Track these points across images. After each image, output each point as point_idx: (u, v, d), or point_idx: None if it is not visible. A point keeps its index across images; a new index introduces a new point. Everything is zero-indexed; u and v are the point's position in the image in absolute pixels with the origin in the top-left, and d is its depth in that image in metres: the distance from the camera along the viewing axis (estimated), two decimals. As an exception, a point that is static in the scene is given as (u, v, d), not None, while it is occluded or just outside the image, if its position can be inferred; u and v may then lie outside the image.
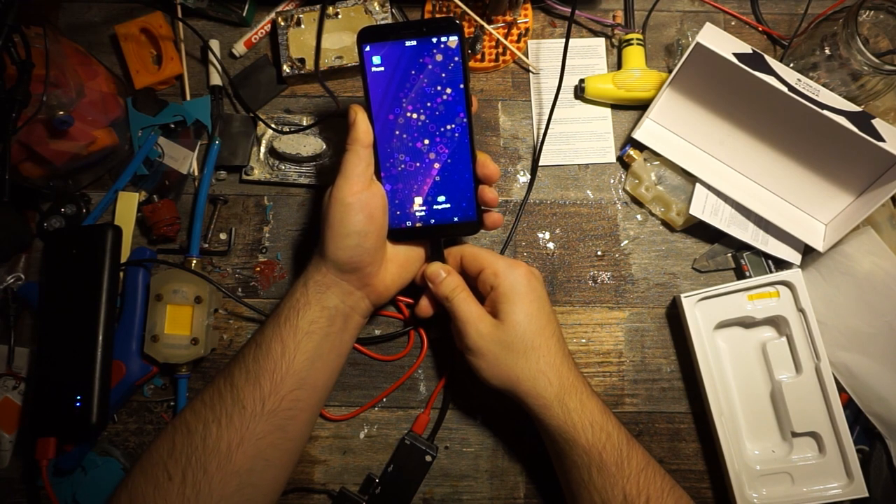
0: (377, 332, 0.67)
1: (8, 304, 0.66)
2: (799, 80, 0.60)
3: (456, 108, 0.57)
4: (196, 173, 0.70)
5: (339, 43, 0.70)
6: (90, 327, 0.61)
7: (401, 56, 0.56)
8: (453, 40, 0.55)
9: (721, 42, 0.61)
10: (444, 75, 0.56)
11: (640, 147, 0.69)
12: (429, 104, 0.57)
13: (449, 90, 0.56)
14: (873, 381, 0.63)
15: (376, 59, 0.56)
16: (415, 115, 0.57)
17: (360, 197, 0.54)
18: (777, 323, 0.66)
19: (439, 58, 0.56)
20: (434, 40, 0.55)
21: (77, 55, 0.65)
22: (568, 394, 0.55)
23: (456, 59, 0.56)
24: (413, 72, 0.56)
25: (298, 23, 0.70)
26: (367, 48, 0.56)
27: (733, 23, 0.75)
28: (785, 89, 0.59)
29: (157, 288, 0.64)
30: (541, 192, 0.71)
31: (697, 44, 0.60)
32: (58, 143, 0.62)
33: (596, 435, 0.54)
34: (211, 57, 0.70)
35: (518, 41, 0.72)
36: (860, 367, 0.63)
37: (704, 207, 0.67)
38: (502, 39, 0.70)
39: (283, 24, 0.70)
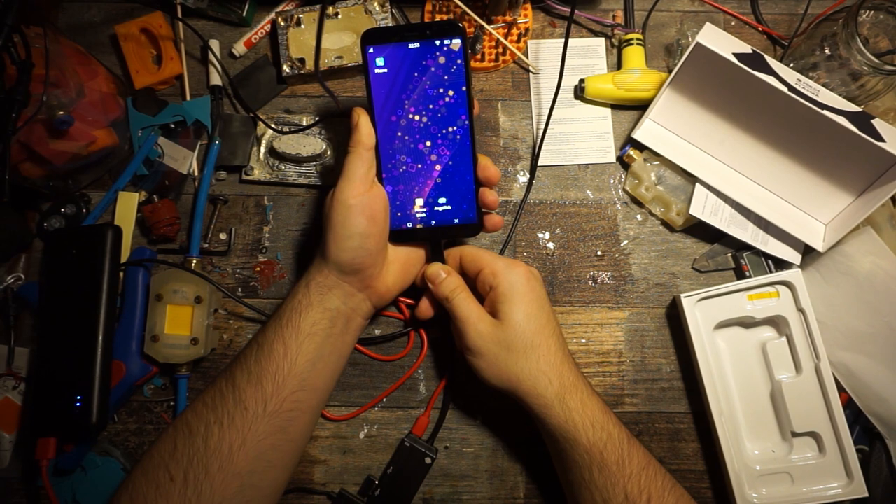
0: (377, 333, 0.67)
1: (8, 304, 0.65)
2: (799, 80, 0.60)
3: (458, 110, 0.57)
4: (196, 173, 0.70)
5: (339, 43, 0.70)
6: (90, 327, 0.61)
7: (404, 58, 0.56)
8: (456, 43, 0.55)
9: (721, 42, 0.61)
10: (446, 78, 0.56)
11: (640, 147, 0.70)
12: (431, 106, 0.57)
13: (451, 92, 0.57)
14: (873, 381, 0.63)
15: (379, 61, 0.56)
16: (417, 117, 0.57)
17: (362, 199, 0.54)
18: (777, 323, 0.66)
19: (442, 60, 0.56)
20: (437, 43, 0.56)
21: (77, 55, 0.64)
22: (568, 393, 0.55)
23: (459, 61, 0.56)
24: (416, 74, 0.56)
25: (298, 23, 0.70)
26: (371, 50, 0.56)
27: (733, 23, 0.75)
28: (785, 89, 0.59)
29: (157, 288, 0.64)
30: (541, 192, 0.71)
31: (697, 44, 0.60)
32: (58, 143, 0.62)
33: (597, 434, 0.54)
34: (211, 57, 0.70)
35: (518, 41, 0.72)
36: (860, 367, 0.64)
37: (704, 207, 0.67)
38: (502, 39, 0.70)
39: (283, 24, 0.70)
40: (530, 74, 0.73)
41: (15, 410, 0.64)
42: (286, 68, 0.70)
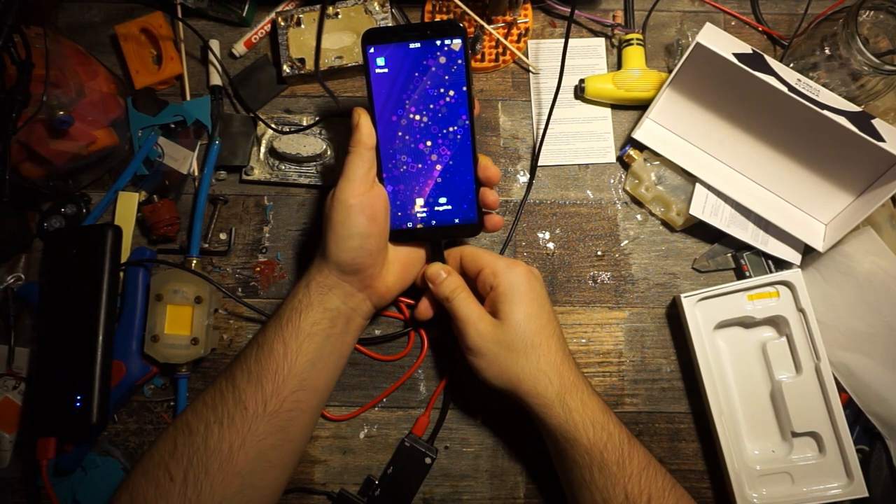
0: (377, 333, 0.67)
1: (8, 304, 0.65)
2: (799, 80, 0.60)
3: (458, 110, 0.57)
4: (196, 173, 0.70)
5: (339, 43, 0.70)
6: (90, 327, 0.60)
7: (404, 58, 0.56)
8: (457, 43, 0.56)
9: (721, 42, 0.61)
10: (447, 78, 0.56)
11: (640, 147, 0.70)
12: (431, 106, 0.57)
13: (452, 92, 0.57)
14: (873, 381, 0.63)
15: (380, 61, 0.56)
16: (417, 117, 0.57)
17: (363, 199, 0.54)
18: (777, 323, 0.66)
19: (443, 60, 0.56)
20: (438, 43, 0.56)
21: (77, 55, 0.64)
22: (569, 393, 0.55)
23: (459, 61, 0.56)
24: (416, 74, 0.56)
25: (298, 23, 0.70)
26: (372, 50, 0.56)
27: (733, 23, 0.75)
28: (785, 89, 0.59)
29: (157, 288, 0.64)
30: (541, 192, 0.71)
31: (697, 44, 0.60)
32: (58, 143, 0.62)
33: (597, 434, 0.54)
34: (211, 57, 0.70)
35: (518, 41, 0.72)
36: (860, 367, 0.64)
37: (704, 207, 0.67)
38: (502, 39, 0.70)
39: (283, 24, 0.70)
40: (530, 74, 0.73)
41: (15, 410, 0.64)
42: (286, 68, 0.70)
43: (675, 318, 0.68)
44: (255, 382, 0.52)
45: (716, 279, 0.69)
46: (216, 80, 0.71)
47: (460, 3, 0.67)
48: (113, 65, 0.72)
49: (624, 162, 0.71)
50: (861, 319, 0.64)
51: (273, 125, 0.69)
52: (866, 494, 0.61)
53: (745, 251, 0.68)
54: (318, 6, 0.70)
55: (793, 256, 0.67)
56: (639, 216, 0.70)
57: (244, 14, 0.71)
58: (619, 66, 0.72)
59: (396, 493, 0.63)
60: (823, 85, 0.62)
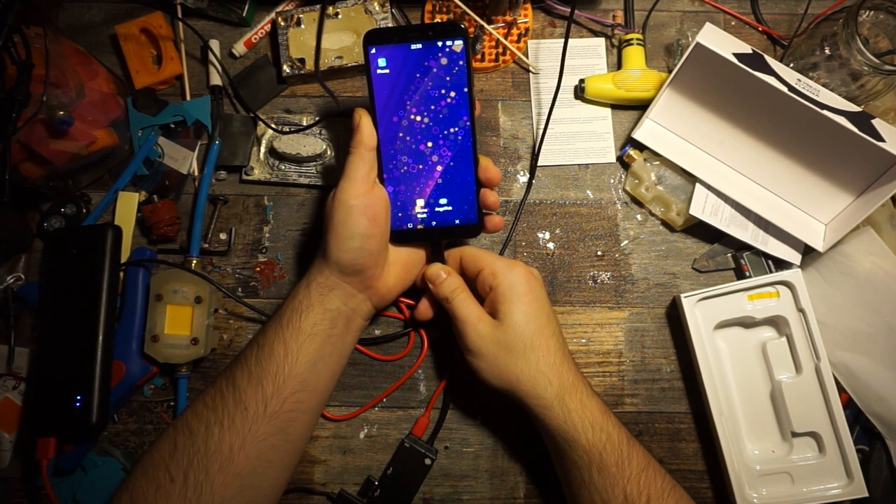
0: (378, 333, 0.67)
1: (8, 304, 0.65)
2: (799, 80, 0.60)
3: (459, 111, 0.57)
4: (196, 173, 0.70)
5: (339, 43, 0.70)
6: (90, 327, 0.61)
7: (406, 59, 0.56)
8: (458, 44, 0.56)
9: (721, 42, 0.61)
10: (448, 79, 0.56)
11: (640, 147, 0.70)
12: (432, 107, 0.57)
13: (453, 93, 0.57)
14: (873, 381, 0.63)
15: (382, 62, 0.56)
16: (418, 118, 0.57)
17: (364, 199, 0.54)
18: (777, 323, 0.66)
19: (444, 61, 0.56)
20: (439, 44, 0.56)
21: (77, 55, 0.64)
22: (568, 394, 0.55)
23: (461, 62, 0.56)
24: (418, 75, 0.56)
25: (298, 23, 0.70)
26: (373, 50, 0.56)
27: (733, 23, 0.75)
28: (785, 89, 0.59)
29: (157, 288, 0.64)
30: (541, 192, 0.71)
31: (697, 44, 0.60)
32: (58, 143, 0.62)
33: (596, 435, 0.54)
34: (211, 57, 0.70)
35: (518, 41, 0.72)
36: (860, 367, 0.64)
37: (704, 207, 0.67)
38: (502, 39, 0.70)
39: (283, 24, 0.70)
40: (530, 74, 0.73)
41: (15, 410, 0.64)
42: (286, 68, 0.70)
43: (675, 318, 0.68)
44: (256, 383, 0.52)
45: (716, 279, 0.69)
46: (216, 80, 0.71)
47: (460, 3, 0.67)
48: (113, 65, 0.72)
49: (624, 162, 0.71)
50: (861, 319, 0.64)
51: (273, 125, 0.69)
52: (866, 494, 0.61)
53: (745, 251, 0.68)
54: (318, 6, 0.70)
55: (793, 256, 0.67)
56: (639, 216, 0.70)
57: (244, 14, 0.71)
58: (619, 66, 0.72)
59: (396, 493, 0.63)
60: (823, 85, 0.62)
